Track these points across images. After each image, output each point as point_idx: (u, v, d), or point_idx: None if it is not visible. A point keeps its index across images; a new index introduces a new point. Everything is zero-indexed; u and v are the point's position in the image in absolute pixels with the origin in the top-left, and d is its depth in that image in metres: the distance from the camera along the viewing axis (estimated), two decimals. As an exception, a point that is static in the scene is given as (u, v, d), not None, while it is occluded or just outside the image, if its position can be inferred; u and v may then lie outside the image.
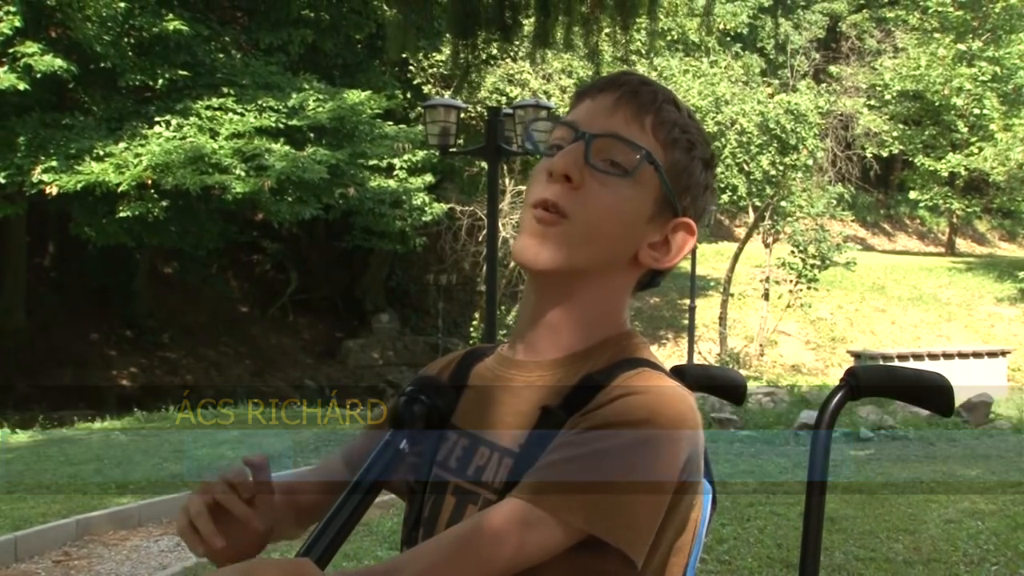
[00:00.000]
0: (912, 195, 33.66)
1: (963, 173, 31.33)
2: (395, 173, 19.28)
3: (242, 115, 16.05)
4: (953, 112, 31.40)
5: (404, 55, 17.74)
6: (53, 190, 14.96)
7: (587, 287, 1.19)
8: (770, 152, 21.99)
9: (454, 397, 1.23)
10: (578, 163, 1.15)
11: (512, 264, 19.21)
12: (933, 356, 18.92)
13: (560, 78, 20.94)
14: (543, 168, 1.18)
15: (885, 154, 33.47)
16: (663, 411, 1.08)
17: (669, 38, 23.58)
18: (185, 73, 16.35)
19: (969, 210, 33.65)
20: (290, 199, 16.52)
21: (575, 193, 1.15)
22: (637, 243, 1.19)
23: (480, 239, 20.85)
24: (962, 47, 30.79)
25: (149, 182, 15.03)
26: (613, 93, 1.19)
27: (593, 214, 1.15)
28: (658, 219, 1.19)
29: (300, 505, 1.35)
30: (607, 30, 7.04)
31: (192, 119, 15.87)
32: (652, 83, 1.21)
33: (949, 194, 32.81)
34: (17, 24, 14.46)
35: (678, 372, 1.54)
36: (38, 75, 14.52)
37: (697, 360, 20.43)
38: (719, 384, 1.60)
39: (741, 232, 28.56)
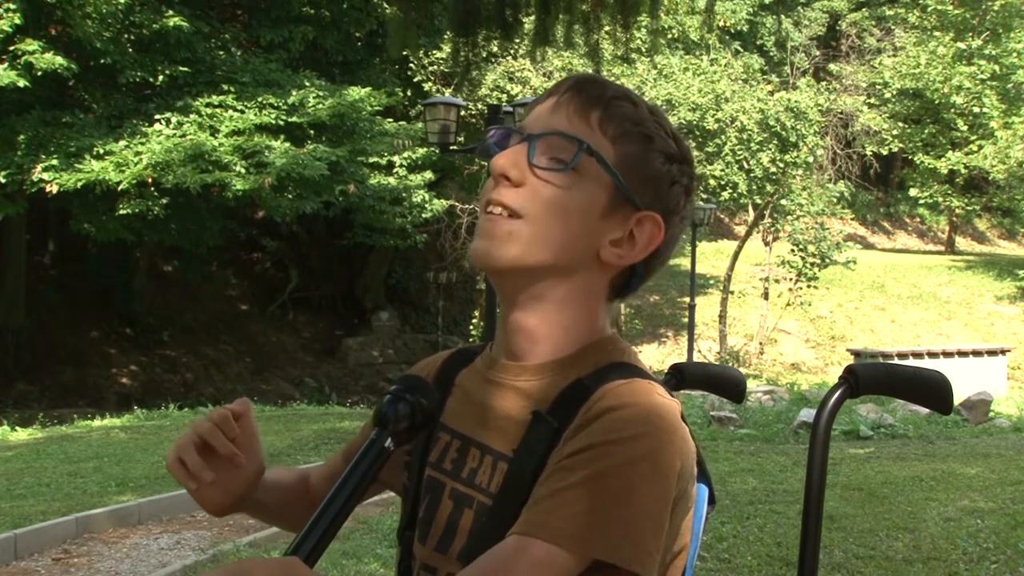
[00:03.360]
0: (912, 193, 33.69)
1: (963, 171, 31.34)
2: (395, 170, 19.29)
3: (242, 112, 16.04)
4: (952, 110, 31.40)
5: (404, 52, 17.75)
6: (53, 188, 14.96)
7: (551, 288, 1.17)
8: (770, 150, 22.00)
9: (439, 396, 1.22)
10: (517, 163, 1.15)
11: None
12: (933, 354, 18.91)
13: (561, 76, 20.92)
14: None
15: (885, 152, 33.48)
16: (654, 423, 1.07)
17: (670, 36, 23.58)
18: (185, 70, 16.34)
19: (969, 208, 33.67)
20: (290, 196, 16.52)
21: (519, 191, 1.15)
22: (596, 240, 1.17)
23: (480, 237, 20.82)
24: (961, 45, 30.79)
25: (149, 180, 15.03)
26: (558, 94, 1.19)
27: (540, 209, 1.14)
28: (616, 214, 1.17)
29: (311, 495, 1.39)
30: (607, 28, 7.04)
31: (192, 116, 15.87)
32: (602, 81, 1.20)
33: (949, 192, 32.83)
34: (17, 22, 14.45)
35: (678, 370, 1.54)
36: (38, 73, 14.51)
37: (697, 358, 20.44)
38: (719, 382, 1.60)
39: (741, 230, 28.57)
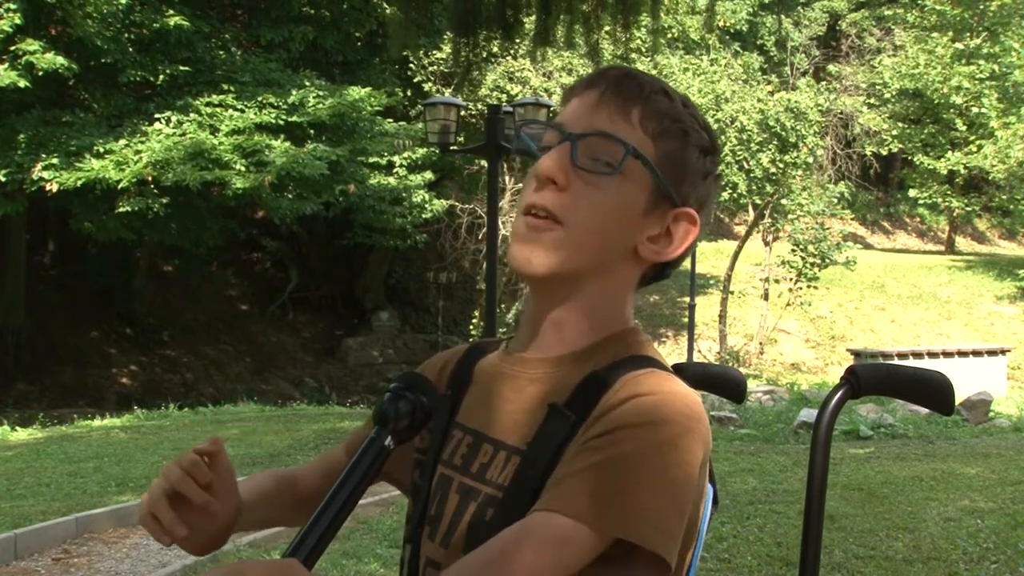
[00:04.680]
0: (912, 193, 33.67)
1: (962, 171, 31.34)
2: (395, 170, 19.30)
3: (242, 111, 16.04)
4: (952, 110, 31.41)
5: (404, 52, 17.76)
6: (53, 187, 14.95)
7: (587, 286, 1.18)
8: (770, 150, 21.99)
9: (440, 394, 1.22)
10: (563, 165, 1.14)
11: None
12: (933, 354, 18.90)
13: (561, 76, 20.94)
14: (532, 172, 1.17)
15: (884, 152, 33.47)
16: (678, 410, 1.07)
17: (670, 36, 23.58)
18: (185, 69, 16.33)
19: (968, 208, 33.66)
20: (290, 196, 16.52)
21: (563, 195, 1.14)
22: (635, 238, 1.17)
23: (480, 237, 20.87)
24: (960, 45, 30.80)
25: (149, 178, 15.03)
26: (597, 89, 1.18)
27: (584, 216, 1.14)
28: (655, 211, 1.17)
29: (300, 495, 1.35)
30: (608, 28, 7.03)
31: (192, 116, 15.87)
32: (638, 75, 1.19)
33: (948, 192, 32.83)
34: (18, 22, 14.44)
35: (678, 370, 1.53)
36: (39, 73, 14.51)
37: (697, 358, 20.43)
38: (719, 382, 1.60)
39: (741, 230, 28.57)
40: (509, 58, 20.48)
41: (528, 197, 1.16)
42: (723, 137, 21.91)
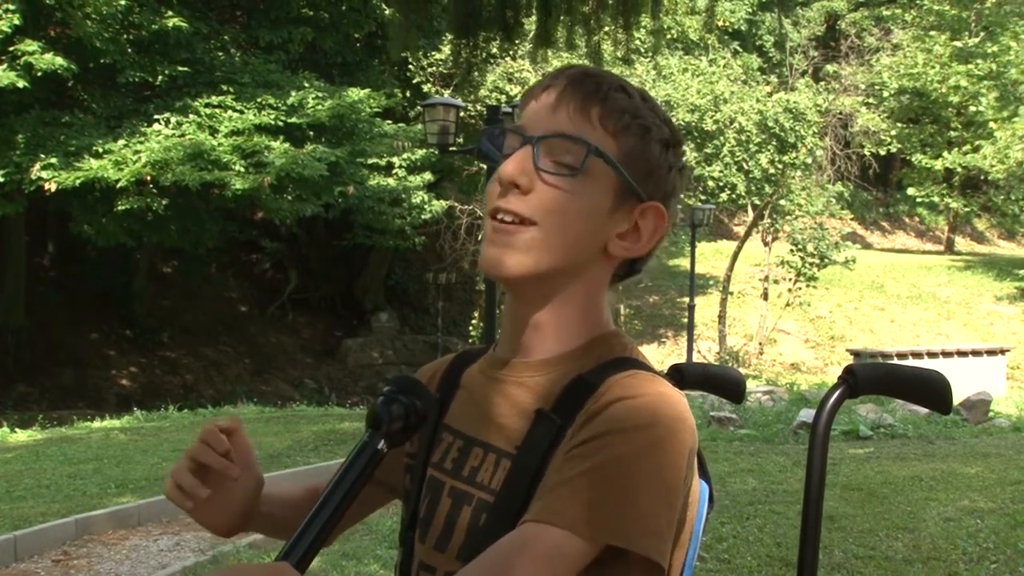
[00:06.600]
0: (910, 193, 33.68)
1: (960, 171, 31.34)
2: (394, 171, 19.30)
3: (242, 113, 16.03)
4: (950, 109, 31.41)
5: (404, 54, 17.77)
6: (52, 187, 14.94)
7: (561, 287, 1.18)
8: (769, 151, 22.00)
9: (435, 397, 1.23)
10: (526, 169, 1.14)
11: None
12: (932, 354, 18.90)
13: (559, 76, 20.92)
14: (495, 177, 1.18)
15: (883, 152, 33.48)
16: (664, 412, 1.08)
17: (669, 36, 23.59)
18: (184, 70, 16.33)
19: (967, 208, 33.66)
20: (290, 197, 16.51)
21: (527, 199, 1.14)
22: (604, 236, 1.18)
23: (479, 238, 20.84)
24: (958, 44, 30.83)
25: (148, 178, 15.01)
26: (555, 89, 1.18)
27: (550, 216, 1.14)
28: (622, 208, 1.18)
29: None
30: (608, 29, 7.04)
31: (191, 117, 15.86)
32: (596, 73, 1.20)
33: (947, 192, 32.83)
34: (17, 22, 14.44)
35: (677, 371, 1.54)
36: (38, 74, 14.51)
37: (696, 359, 20.44)
38: (718, 383, 1.60)
39: (740, 230, 28.57)
40: (508, 59, 20.50)
41: (493, 201, 1.16)
42: (722, 138, 21.92)
